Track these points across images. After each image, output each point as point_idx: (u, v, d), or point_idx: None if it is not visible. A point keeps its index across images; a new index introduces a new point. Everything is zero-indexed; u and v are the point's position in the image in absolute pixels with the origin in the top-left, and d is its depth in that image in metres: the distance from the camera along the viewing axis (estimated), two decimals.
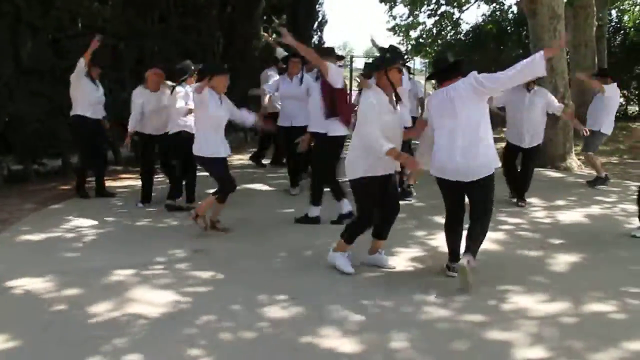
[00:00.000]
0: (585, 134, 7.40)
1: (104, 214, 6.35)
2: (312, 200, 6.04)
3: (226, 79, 5.40)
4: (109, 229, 5.83)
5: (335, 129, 5.88)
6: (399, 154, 4.25)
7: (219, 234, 5.60)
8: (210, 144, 5.40)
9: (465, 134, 4.16)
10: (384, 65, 4.34)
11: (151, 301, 3.98)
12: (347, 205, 5.96)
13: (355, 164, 4.41)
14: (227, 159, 5.68)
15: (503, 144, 7.50)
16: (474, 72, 4.27)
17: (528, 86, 6.73)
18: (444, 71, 4.40)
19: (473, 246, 4.25)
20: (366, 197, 4.45)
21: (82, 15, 8.51)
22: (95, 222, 6.03)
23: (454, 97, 4.19)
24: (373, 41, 7.59)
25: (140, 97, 6.51)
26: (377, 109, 4.22)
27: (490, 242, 5.44)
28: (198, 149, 5.45)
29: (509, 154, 7.07)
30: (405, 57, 17.32)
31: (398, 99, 4.39)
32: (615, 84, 8.16)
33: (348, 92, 6.16)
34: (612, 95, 8.13)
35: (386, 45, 7.15)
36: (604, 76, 8.33)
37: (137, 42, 9.48)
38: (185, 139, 6.06)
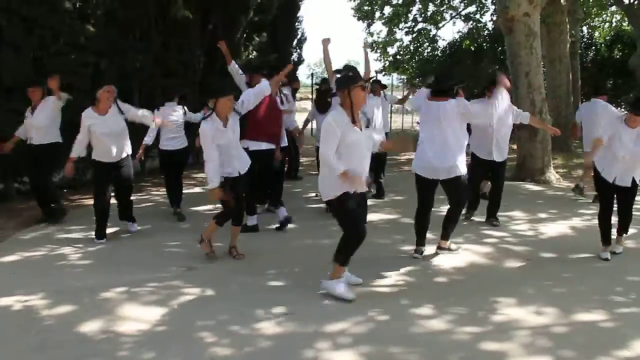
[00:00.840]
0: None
1: (91, 232, 6.27)
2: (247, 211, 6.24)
3: (230, 100, 5.09)
4: (98, 247, 5.78)
5: (253, 144, 6.17)
6: (348, 177, 4.18)
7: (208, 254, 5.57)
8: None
9: (449, 144, 5.09)
10: (346, 84, 4.24)
11: (145, 319, 3.97)
12: (282, 212, 6.50)
13: (324, 184, 4.34)
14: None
15: None
16: (463, 100, 5.22)
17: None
18: (442, 90, 5.17)
19: (451, 229, 5.45)
20: (345, 213, 4.30)
21: (64, 33, 8.46)
22: (82, 241, 5.97)
23: (441, 116, 5.10)
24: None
25: (88, 119, 5.80)
26: (337, 130, 4.16)
27: (478, 254, 5.55)
28: None
29: (479, 169, 6.79)
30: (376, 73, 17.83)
31: (357, 119, 4.30)
32: (586, 102, 8.31)
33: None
34: (583, 114, 8.36)
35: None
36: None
37: (118, 60, 9.45)
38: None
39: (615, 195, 5.55)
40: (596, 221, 6.96)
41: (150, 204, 7.95)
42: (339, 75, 4.49)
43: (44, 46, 8.23)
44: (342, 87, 4.28)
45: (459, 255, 5.49)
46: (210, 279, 4.79)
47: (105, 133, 5.80)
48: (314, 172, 10.71)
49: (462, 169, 5.15)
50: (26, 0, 7.92)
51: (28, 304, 4.22)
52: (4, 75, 7.80)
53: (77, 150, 5.89)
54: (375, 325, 3.89)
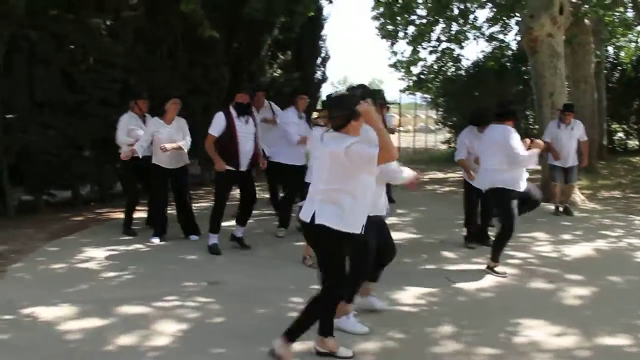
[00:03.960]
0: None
1: (117, 245, 6.42)
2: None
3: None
4: (123, 260, 5.88)
5: None
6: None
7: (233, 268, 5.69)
8: None
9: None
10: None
11: (168, 333, 4.04)
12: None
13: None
14: None
15: None
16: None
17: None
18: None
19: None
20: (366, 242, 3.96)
21: (94, 50, 8.69)
22: (109, 253, 6.10)
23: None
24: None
25: (153, 127, 6.51)
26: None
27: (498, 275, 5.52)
28: None
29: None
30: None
31: None
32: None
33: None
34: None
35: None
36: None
37: (146, 76, 9.64)
38: None
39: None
40: (621, 243, 6.94)
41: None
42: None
43: (74, 62, 8.46)
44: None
45: (482, 276, 5.48)
46: (233, 295, 4.85)
47: (165, 139, 6.44)
48: None
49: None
50: (57, 17, 8.17)
51: (54, 315, 4.32)
52: (35, 90, 8.03)
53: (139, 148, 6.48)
54: (394, 344, 3.91)
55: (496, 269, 5.58)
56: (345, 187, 3.43)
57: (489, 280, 5.36)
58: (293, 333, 3.48)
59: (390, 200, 9.18)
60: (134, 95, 7.30)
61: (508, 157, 5.37)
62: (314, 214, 3.46)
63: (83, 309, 4.44)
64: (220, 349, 3.79)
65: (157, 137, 6.47)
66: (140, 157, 6.56)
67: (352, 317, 4.18)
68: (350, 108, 3.46)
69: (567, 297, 4.92)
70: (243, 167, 6.19)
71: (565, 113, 8.59)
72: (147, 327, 4.13)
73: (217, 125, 6.11)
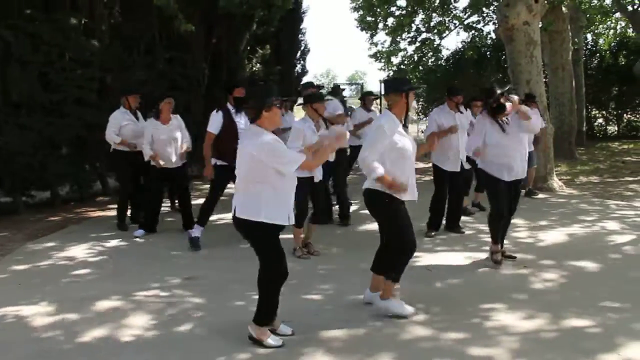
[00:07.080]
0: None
1: (96, 243, 6.45)
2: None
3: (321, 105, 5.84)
4: (102, 258, 5.92)
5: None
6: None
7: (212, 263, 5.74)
8: None
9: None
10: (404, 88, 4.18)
11: (144, 327, 4.08)
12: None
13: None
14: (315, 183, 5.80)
15: None
16: None
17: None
18: None
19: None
20: (395, 218, 4.27)
21: (70, 49, 8.66)
22: (87, 251, 6.13)
23: None
24: None
25: (151, 128, 6.54)
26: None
27: (476, 261, 5.61)
28: None
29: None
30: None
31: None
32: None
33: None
34: None
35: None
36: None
37: (123, 74, 9.63)
38: None
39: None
40: (595, 227, 7.05)
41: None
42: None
43: (50, 62, 8.42)
44: (400, 90, 4.15)
45: (457, 262, 5.57)
46: (210, 289, 4.89)
47: (165, 140, 6.52)
48: None
49: None
50: (32, 17, 8.14)
51: (32, 313, 4.35)
52: (11, 91, 7.99)
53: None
54: (367, 332, 3.97)
55: (494, 256, 5.53)
56: (264, 179, 3.57)
57: (463, 267, 5.45)
58: (258, 316, 3.75)
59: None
60: (124, 91, 7.32)
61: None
62: (235, 208, 3.68)
63: (60, 307, 4.48)
64: (196, 342, 3.84)
65: (156, 137, 6.51)
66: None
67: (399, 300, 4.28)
68: (262, 99, 3.56)
69: (538, 282, 5.01)
70: None
71: (526, 103, 8.62)
72: (123, 322, 4.18)
73: (216, 122, 6.12)
